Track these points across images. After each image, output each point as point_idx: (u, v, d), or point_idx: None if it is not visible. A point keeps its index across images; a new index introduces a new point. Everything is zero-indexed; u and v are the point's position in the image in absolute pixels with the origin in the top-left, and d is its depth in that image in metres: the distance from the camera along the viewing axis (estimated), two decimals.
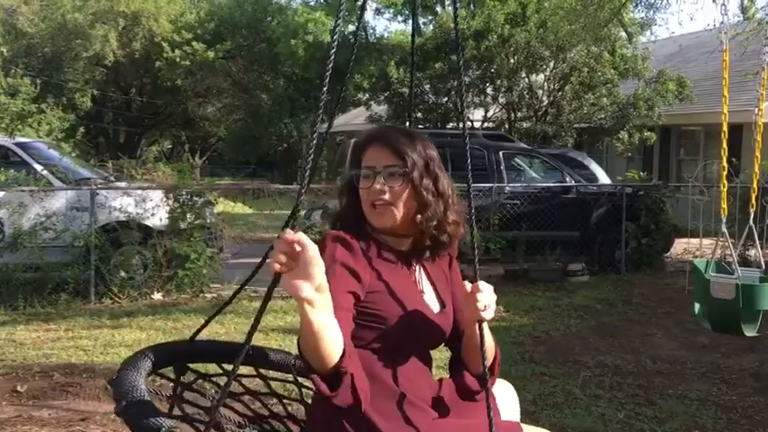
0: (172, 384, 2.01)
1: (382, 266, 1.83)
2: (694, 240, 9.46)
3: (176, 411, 1.91)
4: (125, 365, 1.83)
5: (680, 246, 10.04)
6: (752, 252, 7.09)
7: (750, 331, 3.08)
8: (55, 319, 6.68)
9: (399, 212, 1.86)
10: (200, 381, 2.10)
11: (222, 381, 1.99)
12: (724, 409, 4.26)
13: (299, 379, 2.17)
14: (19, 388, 4.61)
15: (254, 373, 2.21)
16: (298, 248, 1.39)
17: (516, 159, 10.25)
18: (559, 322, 6.60)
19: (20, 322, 6.59)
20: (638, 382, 4.76)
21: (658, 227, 9.28)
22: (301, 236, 1.40)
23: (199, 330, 2.09)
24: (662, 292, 7.94)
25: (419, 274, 1.93)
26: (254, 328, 1.49)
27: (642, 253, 9.27)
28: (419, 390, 1.84)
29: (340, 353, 1.54)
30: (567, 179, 9.80)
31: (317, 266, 1.41)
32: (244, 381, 2.19)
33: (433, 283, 1.94)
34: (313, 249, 1.40)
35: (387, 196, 1.84)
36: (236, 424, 1.95)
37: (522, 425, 1.96)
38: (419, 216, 1.87)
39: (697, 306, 3.39)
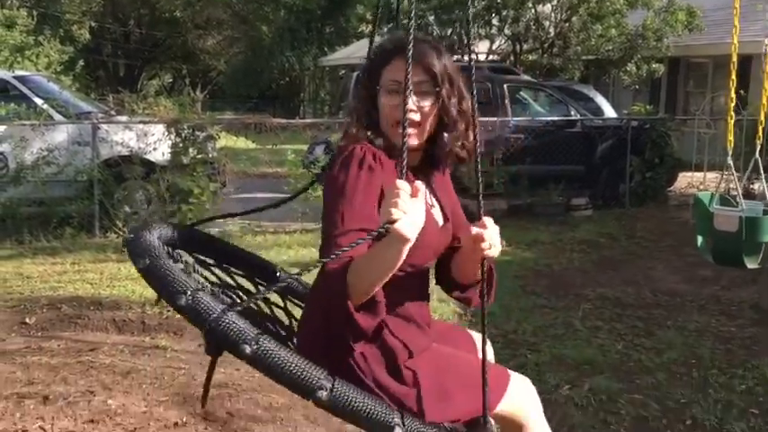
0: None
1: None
2: (698, 174, 9.44)
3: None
4: (137, 229, 1.76)
5: (684, 180, 10.01)
6: (756, 185, 7.05)
7: (752, 263, 3.09)
8: (61, 253, 6.73)
9: (425, 132, 1.80)
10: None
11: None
12: (722, 340, 4.33)
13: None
14: (27, 320, 4.69)
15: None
16: (412, 199, 1.44)
17: (521, 93, 10.12)
18: (561, 256, 6.64)
19: (26, 256, 6.65)
20: (637, 314, 4.82)
21: (663, 161, 9.23)
22: (417, 185, 1.46)
23: (202, 221, 2.08)
24: (664, 226, 7.96)
25: (426, 188, 1.86)
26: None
27: (646, 187, 9.24)
28: (423, 311, 1.85)
29: None
30: (573, 113, 9.69)
31: (423, 214, 1.48)
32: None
33: (437, 197, 1.91)
34: (422, 200, 1.47)
35: (417, 116, 1.77)
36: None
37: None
38: (445, 135, 1.81)
39: (699, 239, 3.40)
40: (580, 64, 14.25)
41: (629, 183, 9.17)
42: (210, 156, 8.32)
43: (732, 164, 3.11)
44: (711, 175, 8.70)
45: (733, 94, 3.08)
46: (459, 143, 1.83)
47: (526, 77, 10.98)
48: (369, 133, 1.78)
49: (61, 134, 7.94)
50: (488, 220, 1.73)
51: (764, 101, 3.21)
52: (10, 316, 4.77)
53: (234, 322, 1.44)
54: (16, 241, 7.23)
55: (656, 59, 14.01)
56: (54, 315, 4.78)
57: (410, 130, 1.70)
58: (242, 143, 14.93)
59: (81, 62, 20.34)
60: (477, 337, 2.06)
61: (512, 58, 14.45)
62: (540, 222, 8.23)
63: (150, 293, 5.24)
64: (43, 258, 6.52)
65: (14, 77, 8.71)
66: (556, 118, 9.58)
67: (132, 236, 1.69)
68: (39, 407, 3.18)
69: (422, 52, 1.77)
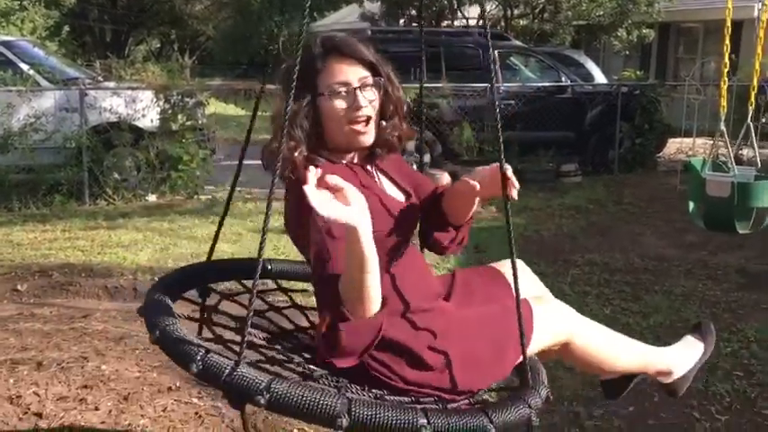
0: (198, 308, 2.06)
1: (354, 182, 1.73)
2: (687, 140, 9.46)
3: (206, 334, 1.97)
4: (151, 293, 1.86)
5: (673, 145, 10.04)
6: (744, 151, 7.09)
7: (743, 229, 3.12)
8: (51, 220, 6.72)
9: (375, 126, 1.82)
10: (225, 301, 2.14)
11: (245, 299, 2.04)
12: (708, 304, 4.39)
13: None
14: (19, 287, 4.69)
15: (275, 287, 2.29)
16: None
17: (512, 58, 10.07)
18: (551, 222, 6.68)
19: (16, 223, 6.62)
20: (625, 279, 4.88)
21: (652, 127, 9.25)
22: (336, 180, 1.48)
23: (212, 250, 2.16)
24: (653, 192, 8.01)
25: (376, 174, 1.90)
26: (263, 242, 1.55)
27: (635, 153, 9.27)
28: (426, 290, 1.85)
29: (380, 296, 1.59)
30: (563, 78, 9.66)
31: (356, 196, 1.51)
32: (267, 297, 2.25)
33: (390, 178, 1.93)
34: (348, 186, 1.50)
35: (371, 111, 1.78)
36: (264, 340, 1.99)
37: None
38: (383, 122, 1.83)
39: (691, 205, 3.41)
40: (571, 29, 14.19)
41: (618, 149, 9.19)
42: (200, 122, 8.28)
43: (725, 129, 3.12)
44: (700, 141, 8.73)
45: (727, 59, 3.08)
46: (396, 132, 1.87)
47: (517, 43, 10.91)
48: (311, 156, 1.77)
49: (48, 100, 7.86)
50: (508, 166, 1.75)
51: (757, 66, 3.21)
52: (1, 283, 4.77)
53: (243, 377, 1.52)
54: (5, 208, 7.21)
55: (646, 25, 13.97)
56: (45, 282, 4.79)
57: (365, 128, 1.77)
58: (232, 110, 14.84)
59: (66, 27, 19.97)
60: (502, 264, 2.05)
61: (502, 23, 14.35)
62: (529, 188, 8.24)
63: (141, 260, 5.25)
64: (33, 225, 6.50)
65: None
66: (546, 84, 9.56)
67: (144, 305, 1.81)
68: (32, 372, 3.21)
69: (353, 47, 1.78)
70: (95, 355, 3.40)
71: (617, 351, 2.01)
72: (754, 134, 3.31)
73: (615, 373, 2.06)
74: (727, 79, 3.06)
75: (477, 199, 1.88)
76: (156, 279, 4.74)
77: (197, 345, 1.59)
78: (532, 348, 1.84)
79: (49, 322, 3.95)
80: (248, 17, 26.32)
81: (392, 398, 1.70)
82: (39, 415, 2.84)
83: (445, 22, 14.48)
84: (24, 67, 8.09)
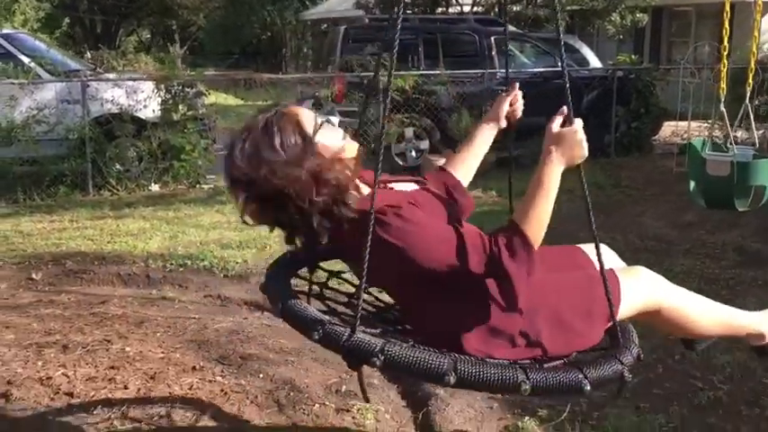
0: (306, 284, 2.18)
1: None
2: (683, 123, 9.57)
3: (317, 306, 2.09)
4: (269, 272, 2.06)
5: (668, 129, 10.15)
6: (739, 133, 7.21)
7: (742, 206, 3.24)
8: (57, 211, 6.80)
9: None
10: (332, 278, 2.28)
11: (348, 276, 2.21)
12: (707, 281, 4.52)
13: None
14: (34, 275, 4.79)
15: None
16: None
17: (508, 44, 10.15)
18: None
19: (23, 214, 6.70)
20: (625, 259, 4.98)
21: (648, 110, 9.36)
22: None
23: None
24: (650, 175, 8.13)
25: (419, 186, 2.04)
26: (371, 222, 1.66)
27: (631, 137, 9.38)
28: None
29: None
30: (558, 63, 9.75)
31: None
32: None
33: (430, 190, 2.04)
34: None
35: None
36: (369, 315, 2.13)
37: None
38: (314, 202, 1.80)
39: (692, 184, 3.54)
40: (565, 15, 14.26)
41: (614, 133, 9.31)
42: (200, 112, 8.35)
43: (725, 111, 3.23)
44: (695, 124, 8.84)
45: (726, 42, 3.18)
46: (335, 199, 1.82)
47: (512, 29, 10.99)
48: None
49: (50, 92, 7.92)
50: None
51: (754, 49, 3.32)
52: (16, 272, 4.87)
53: (360, 341, 1.68)
54: (10, 200, 7.28)
55: (639, 9, 14.07)
56: (59, 270, 4.89)
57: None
58: (231, 100, 14.87)
59: (67, 20, 19.89)
60: (586, 248, 2.16)
61: (496, 9, 14.41)
62: (527, 173, 8.20)
63: (151, 247, 5.35)
64: (41, 216, 6.59)
65: None
66: (542, 69, 9.65)
67: (264, 282, 2.02)
68: (59, 355, 3.31)
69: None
70: (118, 338, 3.51)
71: (707, 318, 2.12)
72: (752, 115, 3.43)
73: (705, 337, 2.21)
74: (726, 62, 3.17)
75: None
76: (167, 265, 4.90)
77: (316, 316, 1.76)
78: (621, 316, 1.95)
79: (68, 308, 4.05)
80: (240, 6, 26.22)
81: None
82: (70, 395, 2.94)
83: (440, 9, 14.53)
84: (25, 59, 8.13)
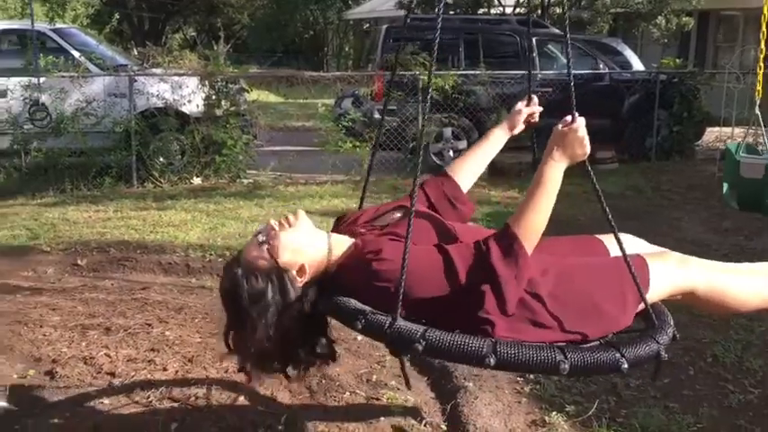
0: None
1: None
2: (726, 129, 9.44)
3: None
4: None
5: (711, 134, 10.01)
6: None
7: None
8: (102, 201, 7.01)
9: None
10: None
11: None
12: None
13: None
14: (79, 262, 4.96)
15: None
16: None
17: (549, 46, 10.12)
18: (586, 207, 6.75)
19: (69, 203, 6.93)
20: None
21: (691, 115, 9.24)
22: None
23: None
24: (691, 179, 8.03)
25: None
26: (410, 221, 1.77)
27: (673, 141, 9.28)
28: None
29: None
30: (600, 66, 9.69)
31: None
32: None
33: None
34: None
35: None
36: None
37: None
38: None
39: (725, 186, 3.53)
40: (608, 17, 14.13)
41: (656, 137, 9.21)
42: (242, 108, 8.50)
43: (759, 114, 3.22)
44: (739, 130, 8.70)
45: (763, 46, 3.17)
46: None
47: (555, 30, 10.93)
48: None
49: (98, 86, 8.15)
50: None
51: None
52: (62, 258, 5.05)
53: (401, 328, 1.75)
54: (58, 190, 7.52)
55: (685, 13, 13.85)
56: (103, 257, 5.05)
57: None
58: (272, 97, 15.08)
59: (117, 15, 20.38)
60: (605, 239, 2.20)
61: (539, 11, 14.34)
62: (565, 175, 8.27)
63: (192, 238, 5.50)
64: (86, 206, 6.80)
65: (52, 30, 8.89)
66: (583, 71, 9.59)
67: None
68: (102, 337, 3.45)
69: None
70: (158, 322, 3.63)
71: (746, 292, 2.10)
72: None
73: (748, 310, 2.20)
74: (762, 65, 3.15)
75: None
76: (206, 255, 5.02)
77: (358, 306, 1.82)
78: (652, 297, 1.98)
79: (111, 293, 4.20)
80: (284, 5, 26.55)
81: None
82: (111, 374, 3.07)
83: (481, 10, 14.52)
84: (76, 53, 8.38)
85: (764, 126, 3.35)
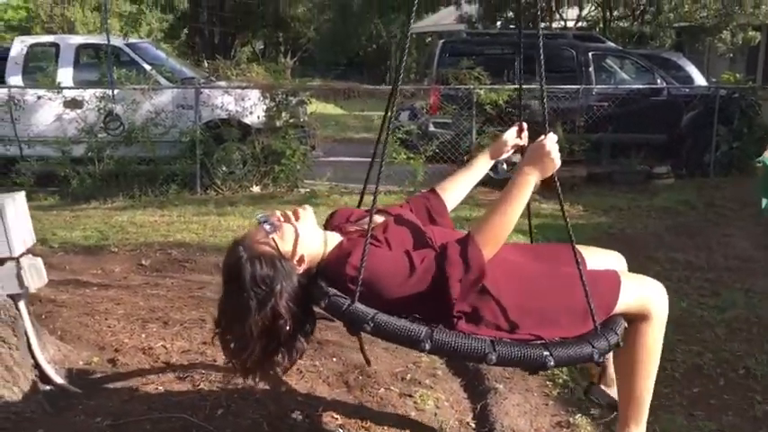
0: None
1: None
2: None
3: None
4: None
5: None
6: None
7: None
8: (167, 207, 7.41)
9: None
10: None
11: None
12: None
13: None
14: (143, 262, 5.31)
15: None
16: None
17: (607, 60, 10.12)
18: (637, 221, 6.79)
19: (137, 208, 7.35)
20: (705, 277, 4.99)
21: (751, 131, 9.10)
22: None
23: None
24: (747, 196, 7.91)
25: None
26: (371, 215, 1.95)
27: (732, 157, 9.15)
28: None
29: None
30: (659, 81, 9.64)
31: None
32: None
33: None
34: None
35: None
36: None
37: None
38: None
39: (764, 201, 3.56)
40: (672, 31, 13.97)
41: (714, 152, 9.10)
42: (302, 120, 8.83)
43: None
44: None
45: None
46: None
47: (612, 45, 10.91)
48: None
49: (167, 98, 8.60)
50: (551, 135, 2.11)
51: None
52: (129, 258, 5.41)
53: (356, 310, 1.97)
54: (127, 195, 7.97)
55: (753, 27, 13.58)
56: (165, 258, 5.38)
57: None
58: (331, 109, 15.46)
59: (185, 30, 21.23)
60: (585, 250, 2.34)
61: (601, 25, 14.30)
62: (618, 190, 8.34)
63: None
64: (152, 210, 7.20)
65: (126, 44, 9.42)
66: (640, 86, 9.56)
67: None
68: (160, 330, 3.72)
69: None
70: (211, 319, 3.89)
71: (651, 368, 2.28)
72: None
73: (623, 391, 2.37)
74: None
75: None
76: None
77: (326, 290, 2.05)
78: (619, 311, 2.14)
79: (171, 291, 4.50)
80: (348, 19, 27.04)
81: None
82: (167, 363, 3.34)
83: (543, 24, 14.55)
84: (147, 67, 8.87)
85: None
